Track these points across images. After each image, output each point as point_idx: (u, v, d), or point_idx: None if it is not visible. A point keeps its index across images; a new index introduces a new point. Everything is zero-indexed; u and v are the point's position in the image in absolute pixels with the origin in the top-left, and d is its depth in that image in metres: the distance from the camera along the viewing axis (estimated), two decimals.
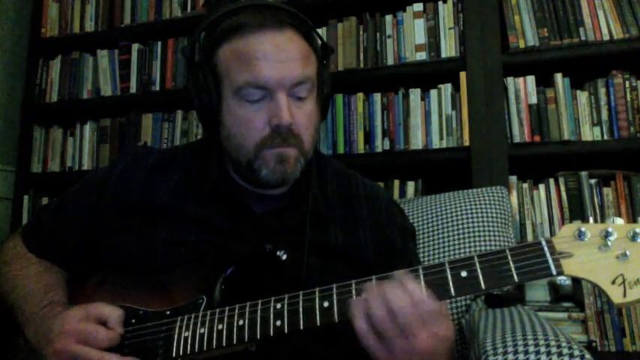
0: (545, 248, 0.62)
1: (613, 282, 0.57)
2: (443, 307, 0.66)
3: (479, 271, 0.64)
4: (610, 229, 0.60)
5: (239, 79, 0.85)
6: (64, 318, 0.78)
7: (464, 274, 0.65)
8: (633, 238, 0.59)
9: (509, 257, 0.63)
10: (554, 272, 0.61)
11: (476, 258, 0.65)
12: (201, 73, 0.88)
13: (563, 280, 1.60)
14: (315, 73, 0.90)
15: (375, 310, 0.64)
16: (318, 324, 0.69)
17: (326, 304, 0.69)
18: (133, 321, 0.81)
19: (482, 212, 1.33)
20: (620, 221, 0.60)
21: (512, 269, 0.63)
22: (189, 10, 2.07)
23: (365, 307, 0.65)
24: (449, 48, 1.75)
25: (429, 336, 0.64)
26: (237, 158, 0.89)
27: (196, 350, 0.74)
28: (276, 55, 0.84)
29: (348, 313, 0.67)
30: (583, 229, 0.61)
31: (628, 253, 0.58)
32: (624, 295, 0.56)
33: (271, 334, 0.70)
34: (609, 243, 0.59)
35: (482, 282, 0.64)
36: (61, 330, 0.76)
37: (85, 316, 0.77)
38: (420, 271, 0.67)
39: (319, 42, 0.94)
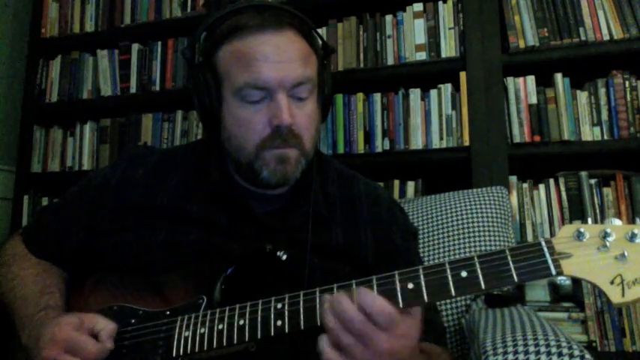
0: (545, 249, 0.62)
1: (612, 282, 0.57)
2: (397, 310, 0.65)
3: (479, 271, 0.64)
4: (609, 230, 0.60)
5: (239, 80, 0.84)
6: (56, 325, 0.78)
7: (464, 274, 0.64)
8: (631, 238, 0.59)
9: (509, 257, 0.63)
10: (553, 272, 0.61)
11: (476, 258, 0.65)
12: (201, 74, 0.88)
13: (563, 280, 1.60)
14: (315, 73, 0.90)
15: (328, 325, 0.64)
16: (319, 324, 0.69)
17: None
18: (133, 321, 0.81)
19: (482, 212, 1.33)
20: (618, 222, 0.61)
21: (512, 269, 0.63)
22: (189, 10, 2.08)
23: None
24: (449, 48, 1.75)
25: (389, 339, 0.63)
26: (238, 159, 0.89)
27: (197, 350, 0.74)
28: (277, 55, 0.84)
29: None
30: (582, 230, 0.61)
31: (626, 253, 0.58)
32: (623, 295, 0.56)
33: (272, 333, 0.70)
34: (608, 244, 0.59)
35: (482, 282, 0.64)
36: (51, 338, 0.76)
37: (77, 325, 0.77)
38: (420, 271, 0.67)
39: (320, 42, 0.94)
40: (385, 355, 0.64)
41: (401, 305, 0.65)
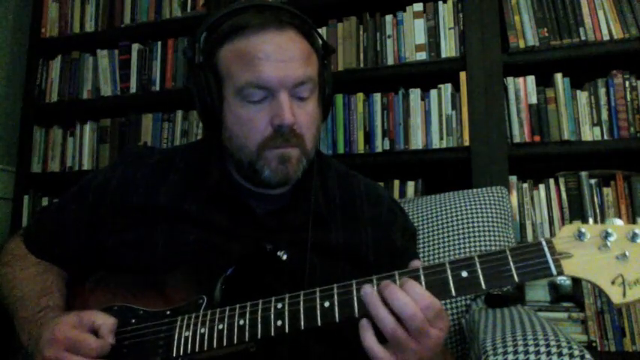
0: (546, 248, 0.62)
1: (613, 282, 0.57)
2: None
3: (479, 271, 0.64)
4: (609, 230, 0.60)
5: (241, 80, 0.84)
6: (55, 325, 0.77)
7: (464, 274, 0.65)
8: (633, 238, 0.59)
9: (510, 257, 0.63)
10: (554, 272, 0.61)
11: (476, 258, 0.65)
12: (202, 74, 0.88)
13: (563, 280, 1.60)
14: (316, 73, 0.90)
15: (384, 321, 0.64)
16: (319, 324, 0.69)
17: (327, 304, 0.69)
18: (134, 321, 0.81)
19: (482, 212, 1.33)
20: (619, 222, 0.61)
21: (513, 269, 0.63)
22: (189, 10, 2.07)
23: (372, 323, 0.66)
24: (449, 48, 1.75)
25: (437, 333, 0.66)
26: (240, 158, 0.89)
27: (197, 350, 0.74)
28: (278, 55, 0.84)
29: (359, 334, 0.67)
30: (583, 230, 0.61)
31: (627, 253, 0.58)
32: (624, 296, 0.57)
33: (272, 334, 0.70)
34: (609, 244, 0.59)
35: (482, 282, 0.64)
36: (51, 337, 0.76)
37: (76, 324, 0.77)
38: (421, 271, 0.67)
39: (320, 42, 0.94)
40: (433, 348, 0.65)
41: None
